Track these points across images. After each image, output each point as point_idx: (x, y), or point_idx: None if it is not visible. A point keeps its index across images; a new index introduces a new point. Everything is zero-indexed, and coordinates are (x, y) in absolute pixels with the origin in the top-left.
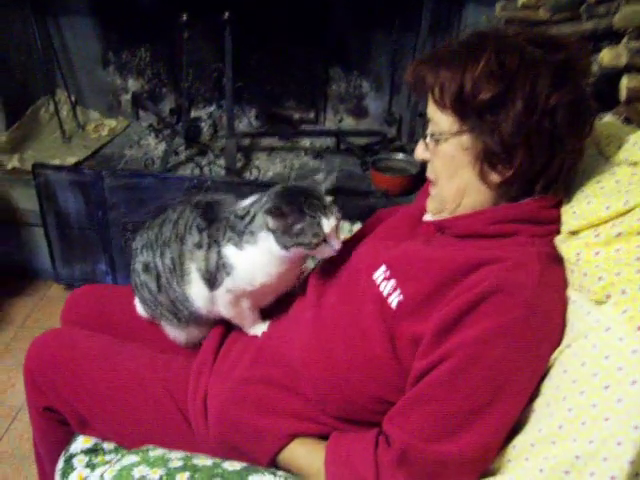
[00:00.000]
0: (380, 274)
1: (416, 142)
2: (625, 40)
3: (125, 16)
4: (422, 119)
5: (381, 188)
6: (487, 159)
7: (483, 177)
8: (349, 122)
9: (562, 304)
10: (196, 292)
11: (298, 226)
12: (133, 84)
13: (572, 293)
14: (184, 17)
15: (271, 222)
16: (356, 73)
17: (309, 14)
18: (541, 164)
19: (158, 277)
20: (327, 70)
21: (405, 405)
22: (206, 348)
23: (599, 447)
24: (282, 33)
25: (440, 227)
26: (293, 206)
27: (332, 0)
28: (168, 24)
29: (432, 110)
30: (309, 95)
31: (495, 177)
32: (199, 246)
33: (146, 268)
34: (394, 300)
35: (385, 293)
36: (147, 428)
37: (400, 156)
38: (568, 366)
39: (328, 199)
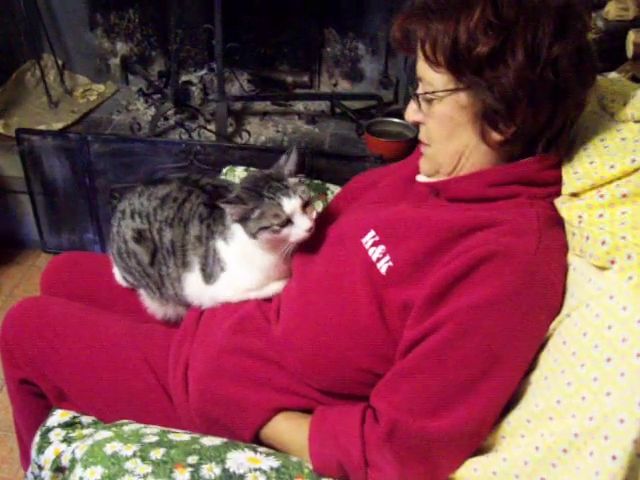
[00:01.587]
0: (369, 239)
1: None
2: None
3: None
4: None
5: (376, 153)
6: (487, 117)
7: (484, 137)
8: (344, 86)
9: (562, 270)
10: (193, 282)
11: (258, 210)
12: (122, 47)
13: (572, 258)
14: None
15: (230, 210)
16: (351, 35)
17: None
18: (544, 119)
19: (154, 251)
20: (322, 32)
21: (394, 378)
22: (189, 316)
23: (600, 424)
24: None
25: (434, 189)
26: (250, 191)
27: None
28: None
29: (423, 68)
30: (303, 58)
31: (496, 136)
32: (199, 240)
33: (139, 237)
34: (383, 266)
35: (374, 258)
36: (125, 401)
37: (396, 120)
38: (567, 337)
39: (292, 180)
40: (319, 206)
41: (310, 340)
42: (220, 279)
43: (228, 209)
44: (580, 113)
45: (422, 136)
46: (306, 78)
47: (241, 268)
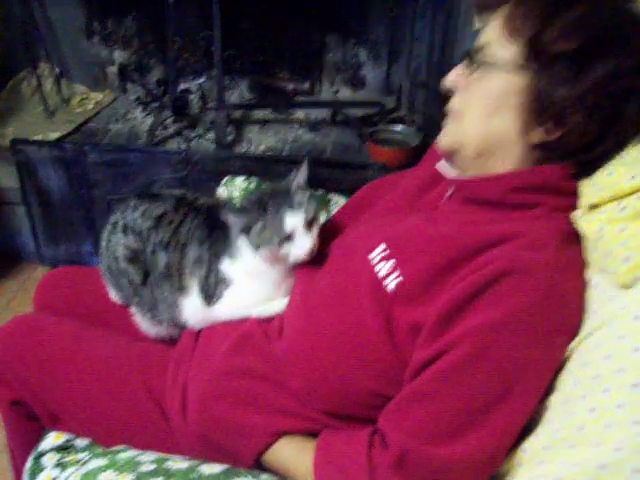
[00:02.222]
0: (378, 254)
1: (416, 113)
2: None
3: None
4: (423, 89)
5: (379, 161)
6: (539, 110)
7: (525, 130)
8: (346, 93)
9: (582, 288)
10: (191, 305)
11: (260, 223)
12: (119, 55)
13: (592, 275)
14: None
15: (233, 220)
16: (353, 41)
17: None
18: (592, 138)
19: (147, 273)
20: (323, 38)
21: (403, 401)
22: (186, 334)
23: (629, 456)
24: None
25: (455, 186)
26: (255, 204)
27: None
28: None
29: (496, 33)
30: (304, 65)
31: (538, 135)
32: (199, 262)
33: (133, 257)
34: (392, 282)
35: (382, 274)
36: (121, 423)
37: (399, 128)
38: (589, 358)
39: (300, 195)
40: (322, 217)
41: (314, 360)
42: (223, 297)
43: (231, 218)
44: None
45: (454, 105)
46: (307, 85)
47: (247, 283)
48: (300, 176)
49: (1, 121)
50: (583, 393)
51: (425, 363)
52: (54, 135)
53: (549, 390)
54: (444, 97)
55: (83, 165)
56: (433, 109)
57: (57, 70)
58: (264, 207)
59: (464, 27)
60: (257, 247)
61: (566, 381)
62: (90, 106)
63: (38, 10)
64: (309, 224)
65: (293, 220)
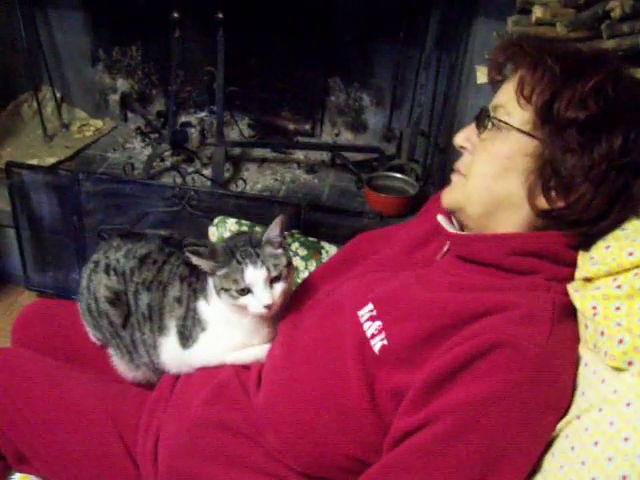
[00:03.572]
0: (365, 312)
1: (416, 162)
2: None
3: (117, 11)
4: (423, 137)
5: (376, 208)
6: (545, 178)
7: (531, 195)
8: (346, 136)
9: (573, 365)
10: (168, 347)
11: (224, 270)
12: (122, 84)
13: (584, 352)
14: (175, 14)
15: (197, 262)
16: (356, 85)
17: (309, 19)
18: (596, 213)
19: (128, 315)
20: (326, 80)
21: (381, 471)
22: (164, 379)
23: None
24: (280, 37)
25: (451, 242)
26: (226, 250)
27: (334, 6)
28: (162, 22)
29: (508, 97)
30: (306, 106)
31: (542, 203)
32: (179, 301)
33: (114, 299)
34: (377, 344)
35: (369, 334)
36: (89, 469)
37: (398, 175)
38: (576, 442)
39: (270, 250)
40: (312, 265)
41: (291, 417)
42: (199, 341)
43: (194, 260)
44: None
45: (461, 165)
46: (308, 126)
47: (222, 328)
48: (271, 231)
49: None
50: (570, 478)
51: (405, 434)
52: (51, 160)
53: (534, 469)
54: (444, 149)
55: (77, 193)
56: (433, 159)
57: (58, 94)
58: (233, 254)
59: (468, 80)
60: (218, 293)
61: (551, 463)
62: (89, 133)
63: (44, 33)
64: (272, 280)
65: (253, 274)
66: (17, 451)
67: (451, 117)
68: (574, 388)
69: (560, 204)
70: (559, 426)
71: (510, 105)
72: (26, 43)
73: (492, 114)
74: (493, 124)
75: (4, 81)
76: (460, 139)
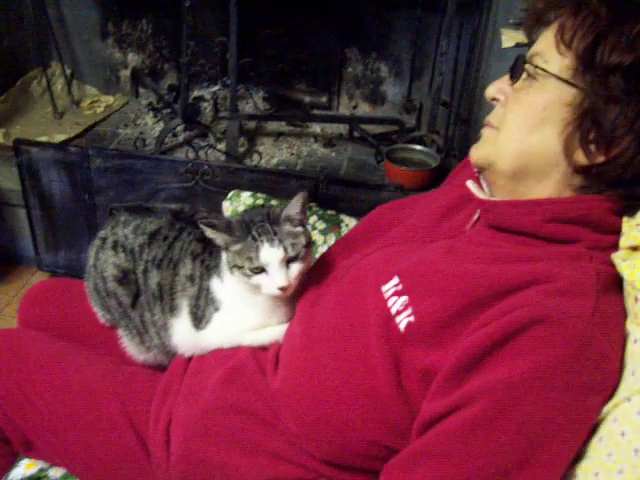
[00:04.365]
0: (390, 287)
1: (437, 133)
2: None
3: None
4: (444, 108)
5: (395, 182)
6: (584, 130)
7: (568, 150)
8: (364, 109)
9: (620, 342)
10: (180, 328)
11: (238, 245)
12: (133, 59)
13: (633, 328)
14: None
15: (211, 235)
16: (374, 55)
17: None
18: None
19: (137, 294)
20: (343, 50)
21: (410, 458)
22: (176, 361)
23: None
24: (295, 6)
25: (482, 209)
26: (242, 224)
27: None
28: None
29: (546, 44)
30: (322, 77)
31: (580, 157)
32: (191, 279)
33: (122, 278)
34: (403, 320)
35: (395, 310)
36: (99, 454)
37: (418, 147)
38: (627, 427)
39: (288, 228)
40: (331, 239)
41: (312, 401)
42: (212, 321)
43: (208, 232)
44: None
45: (493, 117)
46: (324, 99)
47: (236, 307)
48: (291, 208)
49: (8, 120)
50: (620, 467)
51: (437, 417)
52: (60, 137)
53: (578, 456)
54: (466, 120)
55: (87, 170)
56: (455, 130)
57: (68, 71)
58: (249, 230)
59: (491, 46)
60: (231, 270)
61: (598, 449)
62: (100, 109)
63: (52, 9)
64: (289, 260)
65: (269, 253)
66: (24, 436)
67: (473, 86)
68: (622, 367)
69: (600, 159)
70: (606, 409)
71: (548, 52)
72: (34, 18)
73: (528, 62)
74: (529, 73)
75: (12, 57)
76: (492, 90)
